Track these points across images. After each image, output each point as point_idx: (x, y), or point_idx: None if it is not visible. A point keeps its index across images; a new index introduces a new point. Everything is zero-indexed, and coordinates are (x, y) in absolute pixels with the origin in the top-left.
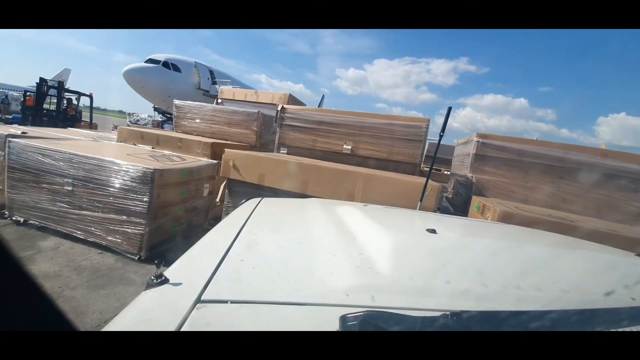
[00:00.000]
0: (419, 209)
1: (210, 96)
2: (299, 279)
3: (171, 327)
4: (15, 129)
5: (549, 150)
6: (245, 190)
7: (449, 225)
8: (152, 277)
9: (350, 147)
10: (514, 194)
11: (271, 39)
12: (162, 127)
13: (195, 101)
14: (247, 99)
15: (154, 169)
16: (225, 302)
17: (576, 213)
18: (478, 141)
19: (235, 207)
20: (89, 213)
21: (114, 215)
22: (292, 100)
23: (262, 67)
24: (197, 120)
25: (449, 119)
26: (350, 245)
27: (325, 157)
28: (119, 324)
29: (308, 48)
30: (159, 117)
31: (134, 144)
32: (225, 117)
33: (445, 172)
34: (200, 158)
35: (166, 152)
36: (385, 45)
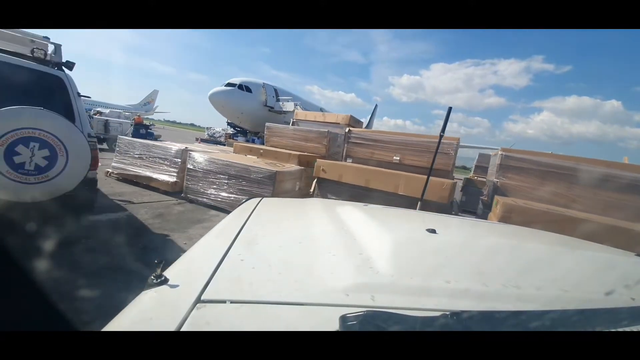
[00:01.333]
0: (418, 209)
1: (274, 112)
2: (299, 278)
3: (171, 326)
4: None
5: (560, 162)
6: (329, 185)
7: (449, 225)
8: (152, 277)
9: (398, 158)
10: (531, 195)
11: (323, 50)
12: (234, 139)
13: (261, 116)
14: (317, 120)
15: (275, 171)
16: (225, 301)
17: (580, 210)
18: (502, 154)
19: (321, 195)
20: (236, 196)
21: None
22: (353, 120)
23: (314, 78)
24: (282, 137)
25: (449, 118)
26: (350, 245)
27: (380, 165)
28: (119, 323)
29: (361, 57)
30: (230, 130)
31: (246, 155)
32: (303, 134)
33: (482, 179)
34: (292, 165)
35: (270, 160)
36: (443, 49)
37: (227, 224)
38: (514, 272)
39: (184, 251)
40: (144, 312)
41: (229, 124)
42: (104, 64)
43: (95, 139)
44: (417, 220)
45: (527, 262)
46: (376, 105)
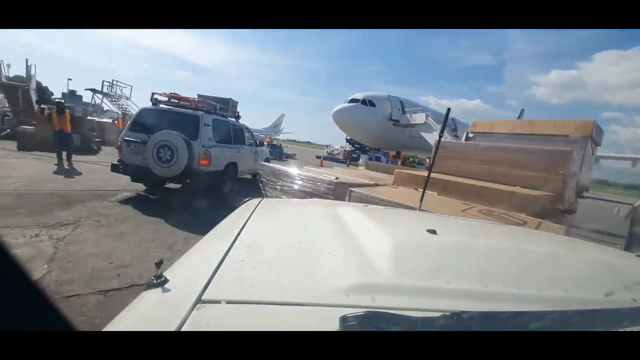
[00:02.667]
0: (419, 209)
1: (400, 125)
2: (299, 279)
3: (171, 327)
4: (308, 170)
5: None
6: None
7: (449, 225)
8: (153, 278)
9: None
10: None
11: (441, 58)
12: (353, 156)
13: (384, 130)
14: (515, 131)
15: None
16: (226, 302)
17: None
18: None
19: None
20: None
21: None
22: (596, 129)
23: (429, 88)
24: (466, 161)
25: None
26: (350, 245)
27: None
28: (119, 323)
29: (489, 58)
30: (348, 147)
31: (416, 189)
32: (509, 157)
33: None
34: (526, 216)
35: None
36: (612, 34)
37: (227, 225)
38: (514, 273)
39: None
40: (145, 313)
41: (348, 140)
42: (248, 97)
43: (206, 149)
44: (417, 220)
45: (527, 263)
46: (522, 110)
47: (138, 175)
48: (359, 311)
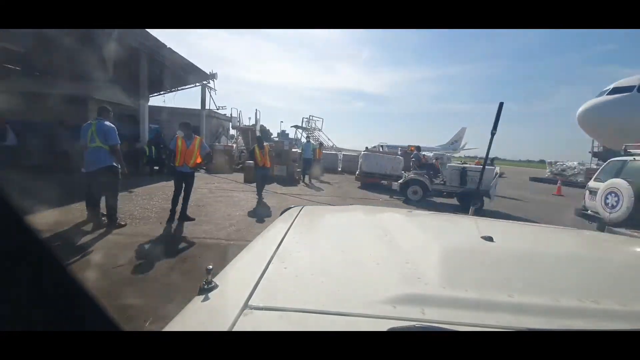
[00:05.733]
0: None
1: None
2: (342, 288)
3: (222, 330)
4: None
5: None
6: None
7: (507, 231)
8: (204, 283)
9: None
10: None
11: None
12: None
13: None
14: None
15: None
16: (270, 309)
17: None
18: None
19: None
20: None
21: None
22: None
23: None
24: None
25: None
26: (395, 253)
27: None
28: (177, 324)
29: None
30: (594, 165)
31: None
32: None
33: None
34: None
35: None
36: None
37: (271, 233)
38: (592, 285)
39: None
40: (198, 316)
41: (596, 154)
42: (418, 114)
43: None
44: (469, 227)
45: (607, 274)
46: None
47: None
48: (408, 324)
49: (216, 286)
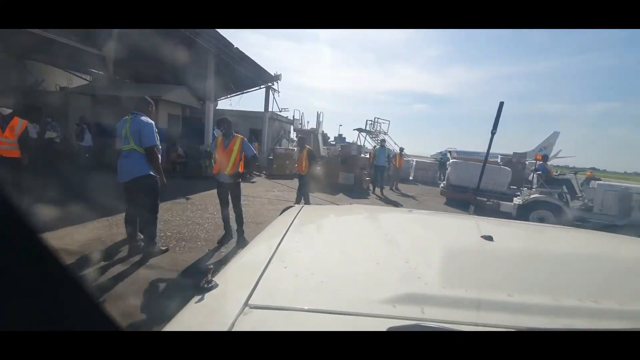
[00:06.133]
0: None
1: None
2: (342, 287)
3: (222, 329)
4: None
5: None
6: None
7: (507, 231)
8: (204, 282)
9: None
10: None
11: None
12: None
13: None
14: None
15: None
16: (270, 308)
17: None
18: None
19: None
20: None
21: None
22: None
23: None
24: None
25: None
26: (395, 253)
27: None
28: (177, 324)
29: None
30: None
31: None
32: None
33: None
34: None
35: None
36: None
37: (271, 232)
38: (592, 284)
39: None
40: (197, 316)
41: None
42: (488, 117)
43: None
44: (469, 226)
45: (607, 273)
46: None
47: None
48: (408, 323)
49: (216, 285)
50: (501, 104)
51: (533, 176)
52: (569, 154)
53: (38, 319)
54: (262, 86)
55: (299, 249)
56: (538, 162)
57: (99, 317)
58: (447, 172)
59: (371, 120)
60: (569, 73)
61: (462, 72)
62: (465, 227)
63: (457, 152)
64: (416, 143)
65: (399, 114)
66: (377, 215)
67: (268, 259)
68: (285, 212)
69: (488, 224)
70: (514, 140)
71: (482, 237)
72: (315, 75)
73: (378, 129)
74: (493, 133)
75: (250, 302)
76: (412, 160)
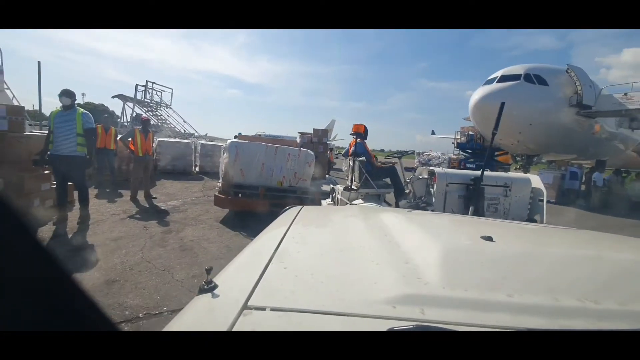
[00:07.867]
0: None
1: (588, 114)
2: (342, 288)
3: (222, 330)
4: None
5: None
6: None
7: (507, 231)
8: (204, 283)
9: None
10: None
11: (497, 47)
12: (465, 165)
13: (562, 124)
14: None
15: None
16: (270, 309)
17: None
18: None
19: None
20: None
21: None
22: None
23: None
24: None
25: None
26: (395, 253)
27: None
28: (177, 324)
29: (555, 42)
30: (454, 155)
31: None
32: None
33: None
34: None
35: None
36: None
37: (270, 233)
38: (592, 284)
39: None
40: (197, 317)
41: (460, 145)
42: (295, 107)
43: None
44: (469, 226)
45: (607, 274)
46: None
47: None
48: (408, 324)
49: (216, 286)
50: (502, 104)
51: (350, 164)
52: (342, 137)
53: (37, 319)
54: None
55: (299, 250)
56: (354, 141)
57: (99, 317)
58: (223, 158)
59: (142, 85)
60: (343, 78)
61: (269, 64)
62: (465, 227)
63: (266, 135)
64: (224, 127)
65: (215, 98)
66: (377, 215)
67: (268, 260)
68: (285, 212)
69: (488, 225)
70: (302, 126)
71: (481, 237)
72: (113, 39)
73: (152, 97)
74: (494, 133)
75: (249, 302)
76: (196, 142)
